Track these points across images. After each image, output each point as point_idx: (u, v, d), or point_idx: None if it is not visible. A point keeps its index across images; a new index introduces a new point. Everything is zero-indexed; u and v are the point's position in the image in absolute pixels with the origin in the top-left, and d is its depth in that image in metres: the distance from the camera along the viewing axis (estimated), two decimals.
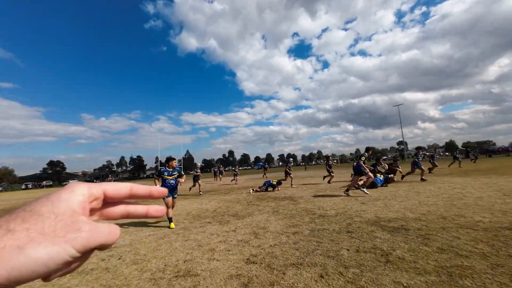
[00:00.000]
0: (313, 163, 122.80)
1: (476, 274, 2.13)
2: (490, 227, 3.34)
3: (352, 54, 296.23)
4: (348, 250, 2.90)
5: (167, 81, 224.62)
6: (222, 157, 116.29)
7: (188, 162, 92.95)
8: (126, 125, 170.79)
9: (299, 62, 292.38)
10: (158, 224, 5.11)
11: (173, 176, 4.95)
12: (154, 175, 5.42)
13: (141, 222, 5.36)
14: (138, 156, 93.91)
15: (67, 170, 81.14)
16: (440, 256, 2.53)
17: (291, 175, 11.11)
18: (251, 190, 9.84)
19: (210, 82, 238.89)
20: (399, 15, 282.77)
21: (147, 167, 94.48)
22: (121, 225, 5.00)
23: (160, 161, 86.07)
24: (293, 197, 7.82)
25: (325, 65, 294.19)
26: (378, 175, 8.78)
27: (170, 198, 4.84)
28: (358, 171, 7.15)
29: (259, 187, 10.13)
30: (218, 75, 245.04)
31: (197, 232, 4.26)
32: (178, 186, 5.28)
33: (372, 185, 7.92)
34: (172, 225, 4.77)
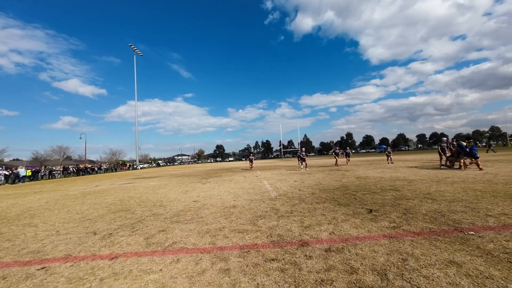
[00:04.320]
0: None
1: None
2: None
3: None
4: None
5: (285, 68, 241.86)
6: (340, 139, 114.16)
7: (305, 145, 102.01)
8: (256, 114, 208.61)
9: None
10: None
11: None
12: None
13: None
14: (267, 141, 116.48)
15: (225, 151, 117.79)
16: None
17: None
18: None
19: (328, 60, 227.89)
20: None
21: (274, 149, 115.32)
22: None
23: (283, 144, 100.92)
24: None
25: None
26: None
27: None
28: None
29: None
30: (337, 49, 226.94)
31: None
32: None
33: None
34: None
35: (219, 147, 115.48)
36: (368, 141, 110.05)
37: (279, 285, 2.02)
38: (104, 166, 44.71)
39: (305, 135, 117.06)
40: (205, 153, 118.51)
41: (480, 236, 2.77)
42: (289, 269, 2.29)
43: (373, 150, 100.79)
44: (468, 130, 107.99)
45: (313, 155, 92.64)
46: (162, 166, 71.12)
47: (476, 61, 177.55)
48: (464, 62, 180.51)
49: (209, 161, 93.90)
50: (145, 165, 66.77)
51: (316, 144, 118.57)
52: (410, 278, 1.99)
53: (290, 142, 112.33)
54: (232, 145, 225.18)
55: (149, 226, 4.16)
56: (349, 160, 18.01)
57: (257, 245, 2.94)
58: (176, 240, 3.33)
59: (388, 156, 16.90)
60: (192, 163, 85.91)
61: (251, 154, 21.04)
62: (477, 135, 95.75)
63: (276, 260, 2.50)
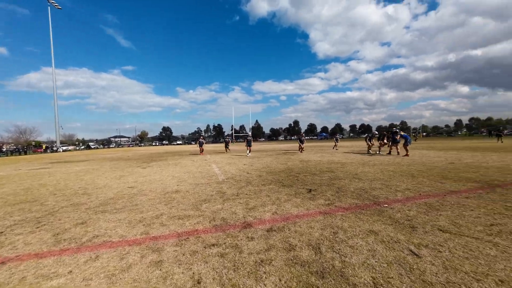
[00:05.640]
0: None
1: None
2: None
3: None
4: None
5: (240, 51, 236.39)
6: (288, 126, 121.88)
7: (256, 131, 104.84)
8: (208, 96, 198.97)
9: (391, 8, 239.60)
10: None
11: None
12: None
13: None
14: (219, 124, 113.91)
15: (173, 134, 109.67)
16: None
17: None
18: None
19: (281, 48, 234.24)
20: None
21: (226, 133, 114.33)
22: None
23: (234, 128, 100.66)
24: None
25: (432, 6, 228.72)
26: None
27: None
28: None
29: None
30: (289, 38, 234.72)
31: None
32: None
33: None
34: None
35: (166, 129, 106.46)
36: (311, 129, 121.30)
37: (217, 272, 1.89)
38: (5, 148, 35.05)
39: (256, 120, 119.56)
40: (149, 135, 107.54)
41: (391, 208, 3.32)
42: (230, 253, 2.19)
43: (315, 137, 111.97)
44: (386, 123, 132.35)
45: (263, 141, 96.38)
46: (94, 148, 61.04)
47: (396, 66, 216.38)
48: (387, 66, 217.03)
49: (154, 144, 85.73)
50: (70, 147, 55.84)
51: (266, 130, 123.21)
52: (339, 249, 2.18)
53: (242, 127, 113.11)
54: (181, 128, 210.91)
55: (63, 219, 3.38)
56: (302, 146, 18.20)
57: (198, 231, 2.74)
58: (98, 233, 2.79)
59: (336, 142, 18.67)
60: (133, 146, 76.80)
61: (201, 137, 19.52)
62: (391, 128, 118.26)
63: (216, 245, 2.37)
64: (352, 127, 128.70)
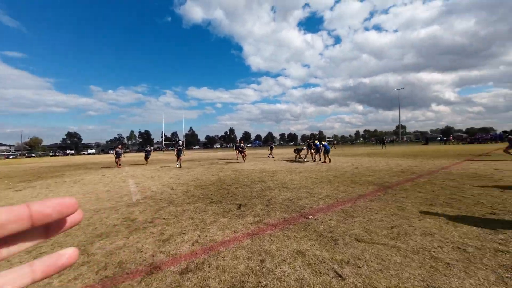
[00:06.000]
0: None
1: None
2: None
3: (366, 29, 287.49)
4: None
5: (172, 54, 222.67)
6: (224, 134, 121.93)
7: (191, 138, 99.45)
8: (133, 98, 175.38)
9: (309, 36, 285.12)
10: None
11: None
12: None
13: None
14: (146, 131, 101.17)
15: (84, 141, 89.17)
16: None
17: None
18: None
19: (216, 56, 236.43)
20: None
21: (155, 141, 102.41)
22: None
23: (165, 135, 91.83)
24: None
25: (337, 40, 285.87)
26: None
27: None
28: None
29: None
30: (225, 48, 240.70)
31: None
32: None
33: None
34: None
35: (72, 135, 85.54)
36: (246, 137, 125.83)
37: None
38: None
39: (190, 127, 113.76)
40: (45, 143, 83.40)
41: (316, 219, 3.36)
42: None
43: (249, 144, 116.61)
44: (308, 132, 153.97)
45: (198, 148, 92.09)
46: None
47: (314, 85, 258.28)
48: (308, 84, 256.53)
49: (51, 154, 66.54)
50: None
51: (202, 137, 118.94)
52: (266, 286, 1.85)
53: (175, 134, 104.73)
54: (96, 134, 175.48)
55: None
56: (244, 155, 15.36)
57: None
58: None
59: (271, 150, 19.29)
60: (16, 157, 57.21)
61: (119, 146, 15.62)
62: (313, 136, 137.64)
63: None
64: (282, 135, 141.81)
